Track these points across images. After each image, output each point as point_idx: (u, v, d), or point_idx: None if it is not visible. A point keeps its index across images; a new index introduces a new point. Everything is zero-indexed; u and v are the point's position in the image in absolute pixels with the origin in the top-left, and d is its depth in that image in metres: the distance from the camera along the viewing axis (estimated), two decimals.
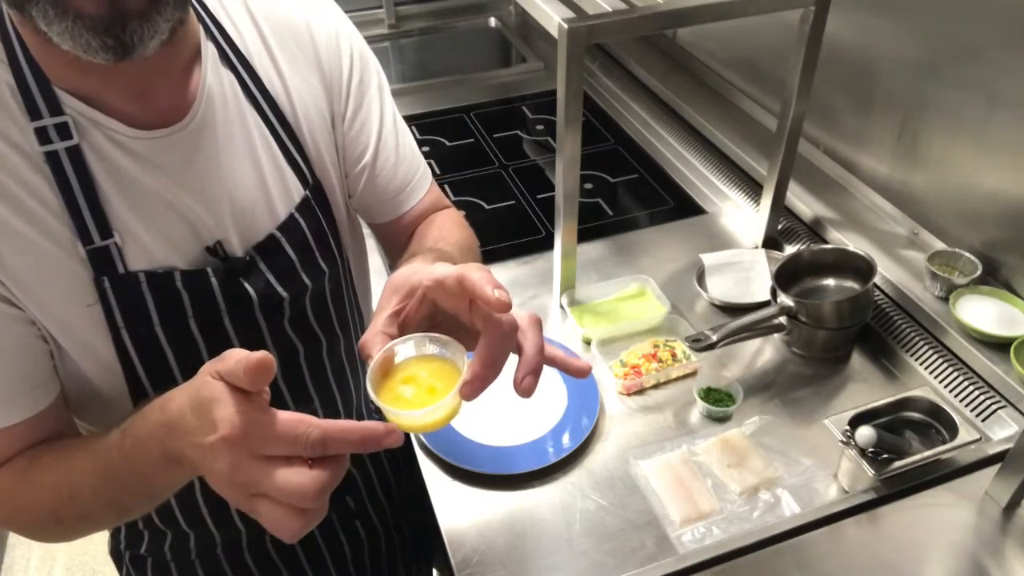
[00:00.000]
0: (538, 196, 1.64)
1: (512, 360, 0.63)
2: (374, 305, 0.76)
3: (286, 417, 0.53)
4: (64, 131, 0.63)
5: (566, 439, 1.08)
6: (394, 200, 0.90)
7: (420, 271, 0.64)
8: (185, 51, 0.69)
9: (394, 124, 0.89)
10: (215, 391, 0.53)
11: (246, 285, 0.74)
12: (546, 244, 1.44)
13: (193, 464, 0.55)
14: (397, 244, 0.93)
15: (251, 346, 0.63)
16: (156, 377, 0.72)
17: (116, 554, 0.97)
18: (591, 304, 1.30)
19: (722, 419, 1.11)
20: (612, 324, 1.25)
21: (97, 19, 0.56)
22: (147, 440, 0.59)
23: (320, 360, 0.85)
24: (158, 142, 0.68)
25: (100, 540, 2.02)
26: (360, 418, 0.89)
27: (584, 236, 1.36)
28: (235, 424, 0.51)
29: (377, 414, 0.99)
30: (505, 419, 1.11)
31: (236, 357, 0.53)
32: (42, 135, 0.62)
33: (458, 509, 1.01)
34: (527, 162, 1.76)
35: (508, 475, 1.04)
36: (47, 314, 0.66)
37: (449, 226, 0.91)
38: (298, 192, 0.77)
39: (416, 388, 0.61)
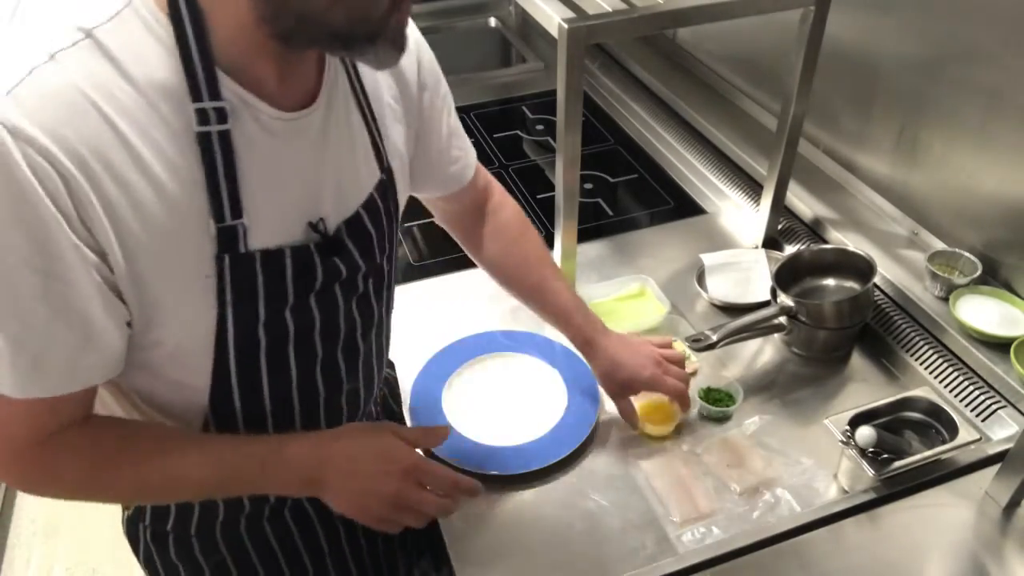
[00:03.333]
0: (538, 196, 1.64)
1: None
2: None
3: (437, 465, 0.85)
4: (221, 115, 0.65)
5: (566, 439, 1.08)
6: (451, 178, 1.00)
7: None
8: None
9: (453, 116, 0.97)
10: (394, 441, 0.83)
11: (338, 261, 0.78)
12: (546, 244, 1.43)
13: (329, 487, 0.80)
14: (459, 219, 1.10)
15: (326, 319, 0.80)
16: (243, 349, 0.75)
17: (132, 530, 1.00)
18: (591, 304, 1.29)
19: (722, 419, 1.11)
20: (612, 324, 1.25)
21: (398, 43, 0.67)
22: (285, 472, 0.79)
23: (369, 338, 0.89)
24: (295, 123, 0.71)
25: (100, 539, 2.02)
26: (375, 393, 0.98)
27: (584, 236, 1.36)
28: (413, 460, 0.82)
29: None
30: (505, 419, 1.11)
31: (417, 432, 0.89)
32: (201, 115, 0.64)
33: (458, 509, 1.01)
34: (527, 162, 1.76)
35: (508, 475, 1.04)
36: (157, 286, 0.67)
37: (531, 240, 1.10)
38: (376, 174, 0.82)
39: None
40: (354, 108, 0.79)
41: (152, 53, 0.62)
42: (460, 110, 1.01)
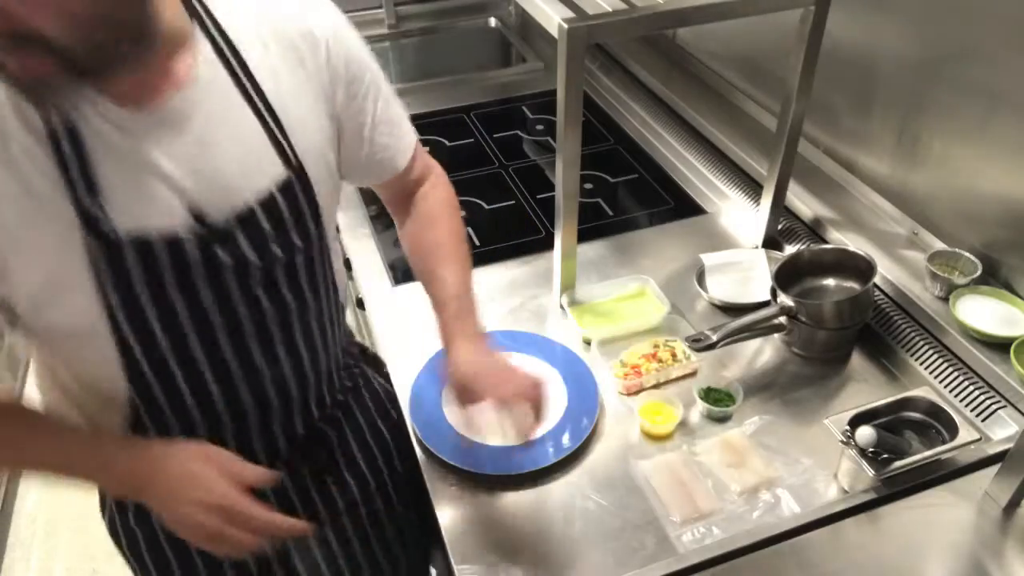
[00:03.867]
0: (538, 196, 1.64)
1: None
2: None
3: (248, 505, 0.81)
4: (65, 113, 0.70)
5: (566, 439, 1.08)
6: (380, 165, 0.99)
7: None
8: (172, 43, 0.75)
9: (387, 101, 0.97)
10: (210, 474, 0.82)
11: (220, 251, 0.80)
12: (546, 244, 1.44)
13: (153, 505, 0.83)
14: (393, 202, 1.08)
15: (223, 308, 0.82)
16: (140, 337, 0.79)
17: (114, 526, 1.04)
18: (591, 304, 1.30)
19: (722, 419, 1.11)
20: (612, 324, 1.25)
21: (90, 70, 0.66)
22: (114, 469, 0.83)
23: (289, 324, 0.89)
24: (143, 118, 0.74)
25: (100, 539, 2.03)
26: (330, 379, 1.01)
27: (584, 236, 1.36)
28: (222, 496, 0.81)
29: (346, 371, 1.08)
30: (505, 419, 1.11)
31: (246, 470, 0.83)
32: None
33: (458, 509, 1.02)
34: (527, 162, 1.76)
35: (508, 475, 1.04)
36: (34, 273, 0.73)
37: (441, 227, 1.04)
38: (278, 171, 0.83)
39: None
40: (239, 105, 0.80)
41: None
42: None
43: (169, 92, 0.75)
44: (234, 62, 0.80)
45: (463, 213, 1.05)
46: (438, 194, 1.07)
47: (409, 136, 1.01)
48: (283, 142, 0.83)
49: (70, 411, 0.88)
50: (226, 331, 0.84)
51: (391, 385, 1.18)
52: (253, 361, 0.88)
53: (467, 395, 0.93)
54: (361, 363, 1.13)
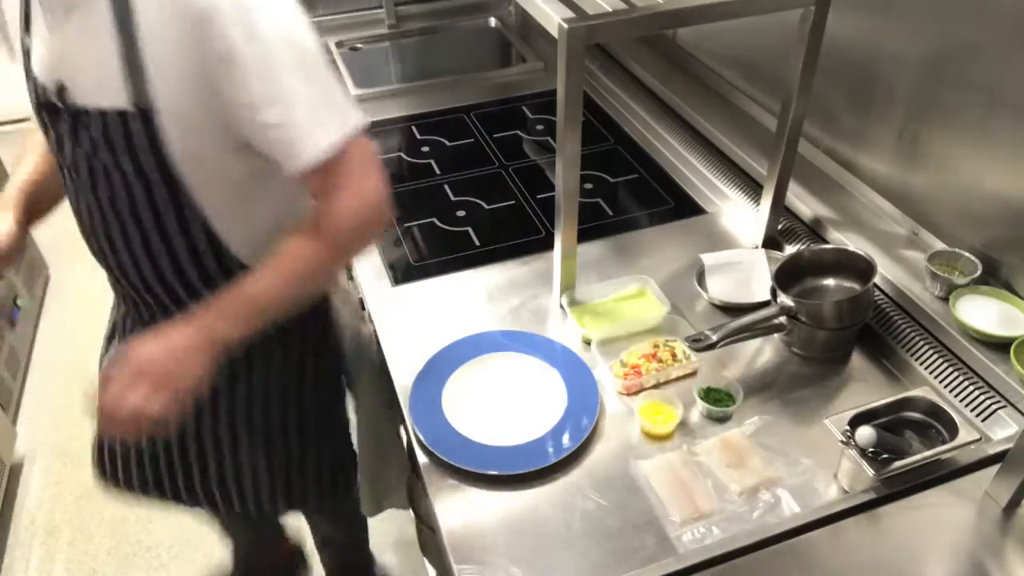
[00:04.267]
0: (538, 196, 1.64)
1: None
2: None
3: None
4: None
5: (566, 439, 1.08)
6: (279, 157, 0.93)
7: None
8: None
9: (272, 98, 0.89)
10: None
11: (50, 124, 0.96)
12: (546, 244, 1.44)
13: None
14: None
15: (67, 166, 0.99)
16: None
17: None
18: (591, 304, 1.30)
19: (722, 419, 1.11)
20: (612, 324, 1.25)
21: None
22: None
23: (116, 214, 0.99)
24: None
25: (100, 539, 2.02)
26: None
27: (584, 236, 1.36)
28: None
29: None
30: (505, 419, 1.11)
31: None
32: None
33: (458, 509, 1.02)
34: (527, 162, 1.76)
35: (508, 475, 1.04)
36: None
37: (291, 251, 0.98)
38: (122, 101, 0.89)
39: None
40: (107, 27, 0.86)
41: None
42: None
43: None
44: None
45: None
46: (345, 205, 0.95)
47: (314, 143, 0.90)
48: (138, 75, 0.87)
49: None
50: (73, 186, 1.00)
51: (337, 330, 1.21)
52: (85, 224, 1.03)
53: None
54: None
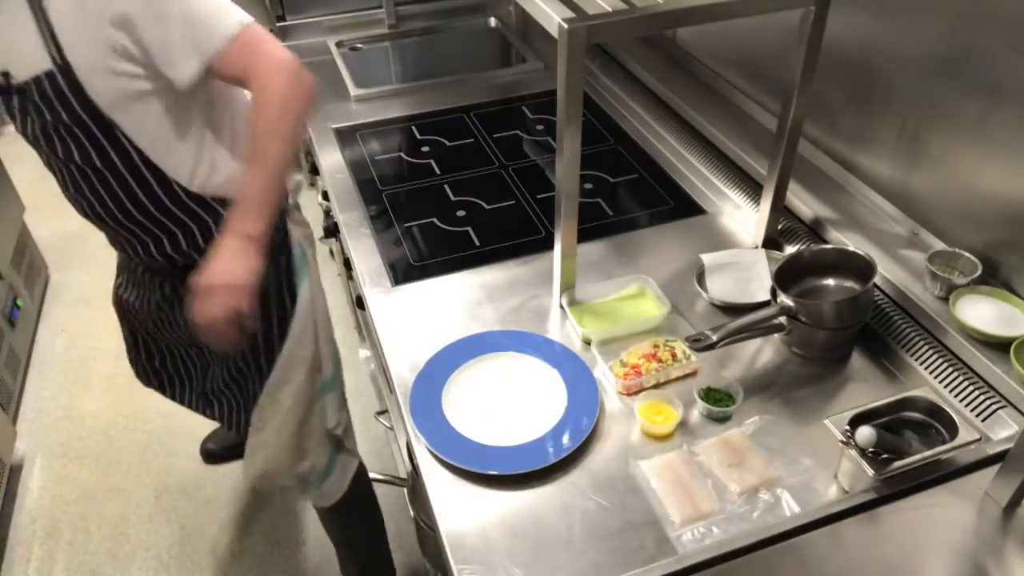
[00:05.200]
0: (538, 196, 1.64)
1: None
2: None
3: None
4: None
5: (566, 439, 1.08)
6: (187, 56, 1.08)
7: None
8: None
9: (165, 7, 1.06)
10: None
11: (13, 108, 1.11)
12: (546, 244, 1.44)
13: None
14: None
15: (47, 149, 1.16)
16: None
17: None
18: (591, 304, 1.30)
19: (722, 419, 1.11)
20: (612, 324, 1.25)
21: None
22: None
23: (102, 181, 1.16)
24: None
25: (100, 539, 2.02)
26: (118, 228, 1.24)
27: (584, 236, 1.36)
28: None
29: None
30: (505, 419, 1.11)
31: None
32: None
33: (458, 509, 1.02)
34: (527, 162, 1.76)
35: (508, 475, 1.04)
36: None
37: (257, 127, 1.12)
38: (44, 62, 1.04)
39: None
40: (22, 5, 1.02)
41: None
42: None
43: None
44: None
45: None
46: (265, 85, 1.11)
47: (214, 35, 1.07)
48: (47, 35, 1.02)
49: None
50: (55, 164, 1.16)
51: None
52: (77, 197, 1.19)
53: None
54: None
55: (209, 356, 1.43)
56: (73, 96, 1.06)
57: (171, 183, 1.19)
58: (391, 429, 1.92)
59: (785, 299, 1.18)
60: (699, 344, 1.13)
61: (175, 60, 1.07)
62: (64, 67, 1.04)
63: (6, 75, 1.08)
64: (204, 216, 1.24)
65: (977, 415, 1.08)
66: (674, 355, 1.18)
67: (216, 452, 2.22)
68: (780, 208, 1.39)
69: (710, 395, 1.12)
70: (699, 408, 1.12)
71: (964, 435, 0.97)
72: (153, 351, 1.52)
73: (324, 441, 1.41)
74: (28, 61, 1.05)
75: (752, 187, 1.52)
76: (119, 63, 1.06)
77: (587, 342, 1.24)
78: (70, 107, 1.07)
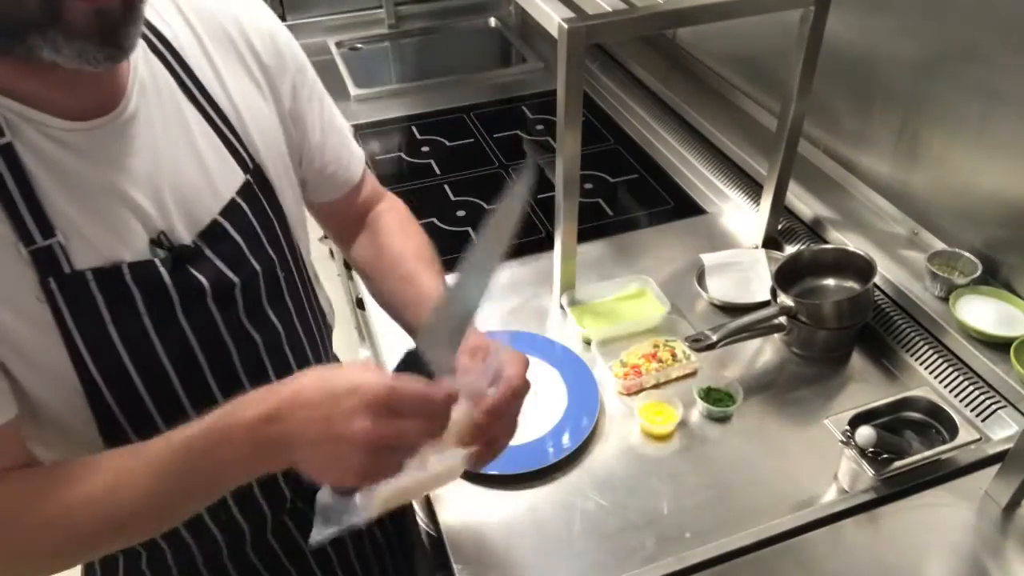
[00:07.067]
0: (538, 196, 1.63)
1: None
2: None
3: (413, 383, 0.63)
4: None
5: (566, 439, 1.08)
6: (334, 178, 0.94)
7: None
8: None
9: (330, 110, 0.93)
10: (356, 372, 0.63)
11: (195, 273, 0.73)
12: (546, 244, 1.44)
13: (293, 442, 0.62)
14: (344, 227, 1.02)
15: (207, 340, 0.75)
16: (113, 381, 0.71)
17: None
18: (591, 304, 1.30)
19: (722, 419, 1.11)
20: (612, 324, 1.25)
21: (98, 35, 0.60)
22: (238, 430, 0.63)
23: (283, 351, 0.83)
24: (93, 133, 0.67)
25: None
26: None
27: (584, 236, 1.36)
28: (381, 385, 0.61)
29: None
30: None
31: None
32: None
33: (458, 509, 1.01)
34: (527, 162, 1.76)
35: (508, 475, 1.04)
36: None
37: (417, 241, 0.98)
38: (238, 177, 0.78)
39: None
40: (185, 106, 0.74)
41: None
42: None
43: (115, 98, 0.68)
44: (170, 57, 0.73)
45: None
46: (399, 212, 1.01)
47: (358, 150, 0.97)
48: (236, 144, 0.77)
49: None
50: (213, 367, 0.76)
51: None
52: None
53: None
54: None
55: None
56: (272, 205, 0.83)
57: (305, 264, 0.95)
58: None
59: (785, 299, 1.18)
60: (699, 344, 1.13)
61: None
62: (258, 171, 0.81)
63: (159, 241, 0.73)
64: None
65: (977, 415, 1.08)
66: (674, 355, 1.18)
67: None
68: (780, 208, 1.39)
69: (710, 395, 1.12)
70: (699, 408, 1.12)
71: (964, 435, 0.97)
72: None
73: None
74: (213, 190, 0.77)
75: (752, 187, 1.52)
76: (288, 153, 0.87)
77: (587, 342, 1.24)
78: (271, 219, 0.83)
